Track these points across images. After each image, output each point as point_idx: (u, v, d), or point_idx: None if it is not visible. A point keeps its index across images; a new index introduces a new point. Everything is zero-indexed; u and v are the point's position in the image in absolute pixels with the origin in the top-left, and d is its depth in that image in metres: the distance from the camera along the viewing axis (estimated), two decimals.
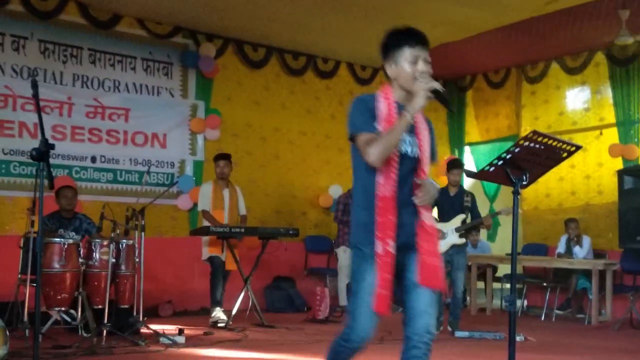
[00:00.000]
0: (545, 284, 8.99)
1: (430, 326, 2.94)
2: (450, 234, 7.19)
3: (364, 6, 8.05)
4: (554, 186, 9.77)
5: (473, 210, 7.28)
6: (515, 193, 3.53)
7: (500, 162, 3.51)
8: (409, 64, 2.97)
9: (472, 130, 11.30)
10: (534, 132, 3.38)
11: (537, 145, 3.49)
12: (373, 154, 2.85)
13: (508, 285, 8.78)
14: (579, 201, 9.52)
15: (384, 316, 2.89)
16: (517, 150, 3.45)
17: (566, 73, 9.80)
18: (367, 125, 2.93)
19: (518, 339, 6.52)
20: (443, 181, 7.87)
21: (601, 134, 9.38)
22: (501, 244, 10.07)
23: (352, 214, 3.11)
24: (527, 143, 3.43)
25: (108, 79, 8.40)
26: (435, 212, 7.43)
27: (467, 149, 11.38)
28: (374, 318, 2.91)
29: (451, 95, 11.50)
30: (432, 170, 9.60)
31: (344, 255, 8.57)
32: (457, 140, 11.44)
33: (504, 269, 9.75)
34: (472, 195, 7.35)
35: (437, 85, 2.89)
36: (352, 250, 3.03)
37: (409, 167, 2.98)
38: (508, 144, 9.56)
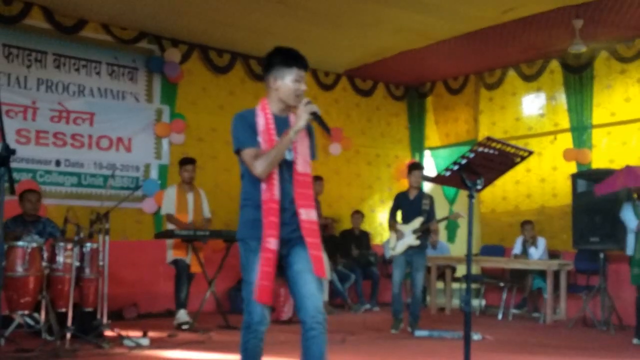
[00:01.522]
0: (502, 284, 9.22)
1: (320, 307, 3.33)
2: (408, 235, 7.38)
3: (327, 14, 8.20)
4: (510, 189, 10.04)
5: (430, 213, 7.47)
6: (470, 197, 3.71)
7: (457, 167, 3.68)
8: (293, 82, 3.41)
9: (432, 134, 11.53)
10: (488, 139, 3.56)
11: (492, 151, 3.65)
12: (259, 168, 3.31)
13: (465, 285, 8.98)
14: (535, 204, 9.79)
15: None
16: (472, 155, 3.62)
17: (522, 80, 10.08)
18: (250, 140, 3.37)
19: (476, 337, 6.73)
20: (404, 184, 8.06)
21: (555, 138, 9.66)
22: (460, 245, 10.30)
23: (240, 213, 3.51)
24: (481, 149, 3.60)
25: (73, 84, 8.42)
26: (399, 214, 7.63)
27: (427, 153, 11.62)
28: (259, 304, 3.31)
29: (412, 101, 11.75)
30: (394, 173, 9.73)
31: None
32: (417, 144, 11.67)
33: (462, 270, 9.97)
34: (431, 198, 7.54)
35: (316, 109, 3.33)
36: (240, 243, 3.45)
37: (287, 170, 3.40)
38: (467, 149, 9.78)
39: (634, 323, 7.04)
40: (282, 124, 3.43)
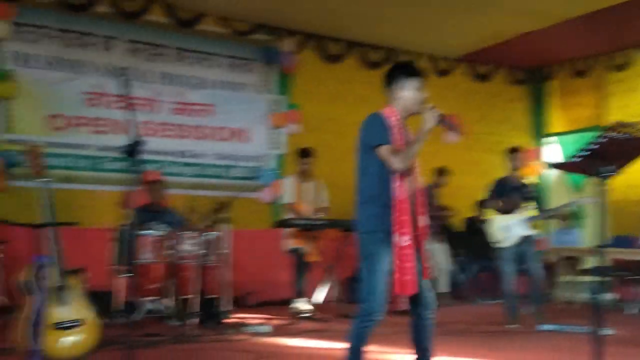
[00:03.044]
0: (635, 277, 8.70)
1: (434, 302, 3.74)
2: (517, 226, 7.00)
3: None
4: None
5: (540, 199, 7.12)
6: (600, 184, 3.50)
7: (586, 153, 3.48)
8: (415, 91, 3.73)
9: (556, 120, 11.04)
10: (619, 123, 3.35)
11: (623, 136, 3.44)
12: (399, 164, 3.56)
13: (595, 278, 8.54)
14: None
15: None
16: (602, 141, 3.42)
17: None
18: (387, 138, 3.64)
19: (607, 332, 6.36)
20: (527, 171, 7.72)
21: None
22: (589, 236, 9.81)
23: (363, 207, 3.77)
24: (612, 134, 3.39)
25: (193, 77, 8.67)
26: (498, 204, 7.30)
27: (549, 139, 11.14)
28: (386, 294, 3.57)
29: (533, 86, 11.31)
30: (506, 160, 9.38)
31: None
32: (539, 130, 11.23)
33: (590, 262, 9.49)
34: (537, 185, 7.19)
35: (442, 113, 3.62)
36: (365, 235, 3.69)
37: (411, 174, 3.68)
38: (593, 134, 9.32)
39: None
40: (400, 130, 3.70)
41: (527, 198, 7.07)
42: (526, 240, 7.00)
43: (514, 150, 7.38)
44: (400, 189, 3.59)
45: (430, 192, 8.68)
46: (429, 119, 3.59)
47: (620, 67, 9.92)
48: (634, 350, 5.82)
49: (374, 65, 9.80)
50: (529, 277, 7.07)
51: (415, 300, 3.69)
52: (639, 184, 9.50)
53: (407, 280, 3.53)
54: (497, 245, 7.13)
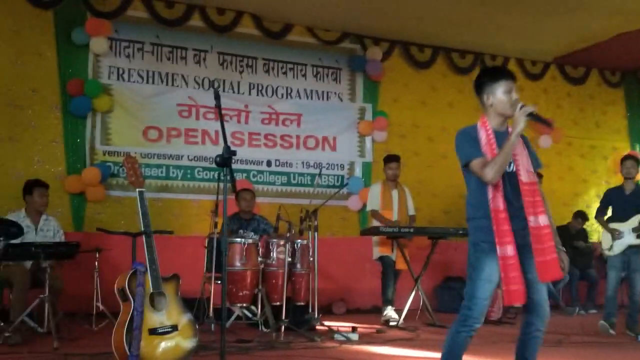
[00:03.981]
0: None
1: (548, 315, 3.61)
2: (627, 234, 6.80)
3: (534, 0, 7.83)
4: None
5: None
6: None
7: None
8: (504, 94, 3.61)
9: None
10: None
11: None
12: (490, 174, 3.47)
13: None
14: None
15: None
16: None
17: None
18: (476, 152, 3.58)
19: None
20: (619, 178, 7.47)
21: None
22: None
23: (470, 221, 3.69)
24: None
25: (281, 87, 8.82)
26: (609, 211, 7.09)
27: None
28: (487, 302, 3.53)
29: (630, 87, 10.89)
30: (611, 165, 8.95)
31: None
32: (637, 134, 10.77)
33: None
34: None
35: (532, 109, 3.48)
36: (473, 246, 3.61)
37: (511, 181, 3.58)
38: None
39: None
40: (502, 138, 3.58)
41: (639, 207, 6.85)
42: (633, 249, 6.78)
43: (626, 158, 7.14)
44: (496, 200, 3.54)
45: None
46: (519, 119, 3.49)
47: None
48: None
49: (462, 70, 9.67)
50: (632, 286, 6.85)
51: (527, 310, 3.63)
52: None
53: (514, 290, 3.47)
54: (610, 254, 6.96)
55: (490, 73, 3.75)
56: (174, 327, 4.50)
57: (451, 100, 9.58)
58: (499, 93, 3.62)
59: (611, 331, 6.82)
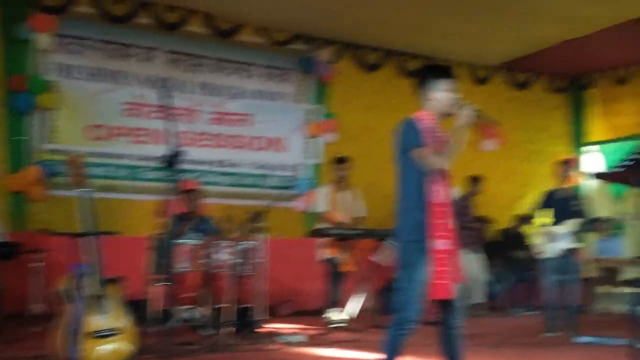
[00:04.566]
0: None
1: (461, 311, 3.69)
2: (563, 237, 6.95)
3: (479, 6, 7.96)
4: None
5: (585, 212, 7.04)
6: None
7: (630, 163, 3.47)
8: (446, 92, 3.70)
9: (596, 129, 10.88)
10: None
11: None
12: (437, 163, 3.56)
13: (636, 290, 8.34)
14: None
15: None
16: None
17: None
18: (421, 141, 3.63)
19: None
20: (568, 181, 7.64)
21: None
22: (631, 246, 9.62)
23: (403, 215, 3.75)
24: None
25: (231, 87, 8.77)
26: (548, 214, 7.25)
27: (589, 148, 10.99)
28: (422, 302, 3.56)
29: (574, 94, 11.18)
30: (553, 169, 9.18)
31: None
32: (579, 139, 11.09)
33: (631, 273, 9.28)
34: (584, 197, 7.12)
35: (474, 107, 3.59)
36: (405, 244, 3.64)
37: (447, 179, 3.66)
38: (636, 144, 9.15)
39: None
40: (434, 133, 3.66)
41: (576, 209, 7.01)
42: (569, 251, 6.94)
43: (564, 162, 7.32)
44: (437, 193, 3.60)
45: (466, 201, 8.61)
46: (465, 115, 3.58)
47: None
48: None
49: (412, 74, 9.77)
50: (567, 288, 7.01)
51: (446, 308, 3.66)
52: None
53: (441, 285, 3.53)
54: (541, 256, 7.10)
55: (434, 70, 3.83)
56: (116, 330, 4.43)
57: (401, 103, 9.61)
58: (441, 90, 3.69)
59: (557, 334, 6.95)
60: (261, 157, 8.87)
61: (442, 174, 3.62)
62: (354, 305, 7.36)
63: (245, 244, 6.58)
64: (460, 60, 10.15)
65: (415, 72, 3.92)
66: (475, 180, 8.90)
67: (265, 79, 9.01)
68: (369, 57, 9.66)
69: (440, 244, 3.54)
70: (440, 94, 3.70)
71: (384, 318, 7.43)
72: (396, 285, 3.67)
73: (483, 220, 9.57)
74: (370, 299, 7.48)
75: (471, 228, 8.50)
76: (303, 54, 9.23)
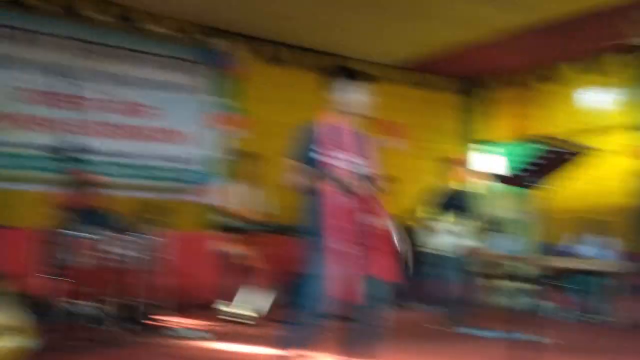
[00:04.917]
0: (561, 285, 8.90)
1: (381, 309, 3.75)
2: (457, 234, 7.22)
3: (380, 5, 8.10)
4: (574, 186, 9.68)
5: (471, 208, 7.33)
6: (529, 195, 3.67)
7: (533, 168, 3.63)
8: (353, 94, 3.80)
9: (487, 129, 11.38)
10: (551, 137, 3.53)
11: (554, 149, 3.61)
12: (289, 179, 3.74)
13: (522, 285, 8.70)
14: (600, 203, 9.43)
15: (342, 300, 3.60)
16: (548, 155, 3.57)
17: (585, 73, 9.83)
18: (305, 150, 3.69)
19: (530, 338, 6.49)
20: (455, 180, 7.91)
21: (619, 135, 9.37)
22: (521, 243, 10.04)
23: (305, 212, 3.86)
24: (550, 148, 3.54)
25: (134, 77, 8.51)
26: (443, 211, 7.46)
27: (481, 147, 11.46)
28: (327, 298, 3.59)
29: (467, 95, 11.58)
30: (446, 168, 9.51)
31: None
32: (470, 139, 11.56)
33: (518, 268, 9.69)
34: (473, 195, 7.41)
35: (373, 115, 3.74)
36: (305, 241, 3.78)
37: (357, 179, 3.66)
38: (524, 145, 9.59)
39: None
40: (343, 135, 3.74)
41: (465, 207, 7.25)
42: (460, 248, 7.18)
43: (450, 160, 7.55)
44: (330, 194, 3.63)
45: None
46: (359, 121, 3.73)
47: (548, 80, 10.26)
48: (567, 358, 5.96)
49: (324, 71, 9.78)
50: (457, 282, 7.25)
51: (353, 305, 3.71)
52: (570, 193, 9.76)
53: (340, 284, 3.58)
54: (436, 252, 7.31)
55: (344, 72, 3.94)
56: (8, 327, 4.22)
57: (314, 100, 9.64)
58: (349, 92, 3.79)
59: (459, 330, 7.16)
60: (167, 149, 8.66)
61: (344, 176, 3.62)
62: (261, 301, 7.33)
63: (147, 238, 6.42)
64: (364, 58, 10.28)
65: (327, 73, 3.98)
66: (388, 180, 9.05)
67: (172, 71, 8.80)
68: (282, 53, 9.63)
69: (337, 243, 3.59)
70: (349, 95, 3.78)
71: (289, 313, 7.44)
72: (301, 281, 3.69)
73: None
74: (274, 294, 7.46)
75: None
76: (213, 47, 9.07)
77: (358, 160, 3.71)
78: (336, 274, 3.59)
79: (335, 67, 4.08)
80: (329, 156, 3.64)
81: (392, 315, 3.87)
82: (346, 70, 4.00)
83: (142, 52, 8.60)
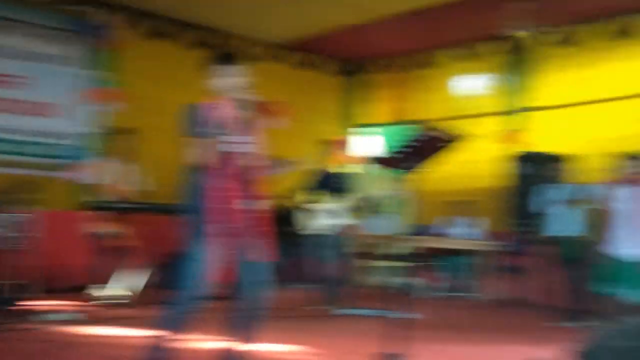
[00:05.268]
0: (434, 264, 9.25)
1: (261, 291, 3.76)
2: (333, 214, 7.33)
3: None
4: (446, 169, 10.02)
5: (350, 190, 7.49)
6: (409, 178, 3.77)
7: (408, 150, 3.72)
8: (231, 77, 3.70)
9: (366, 112, 11.62)
10: (426, 122, 3.64)
11: (428, 134, 3.74)
12: (194, 155, 3.56)
13: (396, 264, 8.97)
14: (471, 185, 9.83)
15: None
16: (421, 138, 3.67)
17: (460, 60, 10.18)
18: (194, 130, 3.60)
19: (404, 316, 6.70)
20: (334, 161, 8.01)
21: (490, 120, 9.80)
22: (398, 224, 10.32)
23: (186, 194, 3.75)
24: (424, 133, 3.65)
25: (3, 46, 8.01)
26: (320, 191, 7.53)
27: (359, 130, 11.63)
28: (206, 279, 3.55)
29: (347, 77, 11.75)
30: (324, 149, 9.67)
31: None
32: (349, 121, 11.73)
33: (391, 248, 9.95)
34: (351, 176, 7.57)
35: (253, 97, 3.68)
36: (187, 222, 3.66)
37: (232, 162, 3.62)
38: (402, 127, 9.86)
39: (565, 304, 7.15)
40: (225, 115, 3.63)
41: (343, 187, 7.36)
42: (339, 228, 7.29)
43: (330, 142, 7.64)
44: (215, 178, 3.59)
45: None
46: (243, 105, 3.65)
47: (425, 66, 10.58)
48: (437, 334, 6.20)
49: (204, 46, 9.60)
50: (334, 263, 7.37)
51: (239, 286, 3.72)
52: (443, 176, 10.11)
53: (220, 267, 3.58)
54: (312, 232, 7.37)
55: (221, 56, 3.83)
56: None
57: (194, 76, 9.41)
58: (226, 76, 3.70)
59: (336, 309, 7.26)
60: (37, 123, 8.21)
61: (227, 159, 3.60)
62: (135, 281, 7.14)
63: (14, 216, 6.11)
64: (246, 36, 10.17)
65: (206, 55, 3.90)
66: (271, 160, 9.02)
67: (39, 40, 8.33)
68: (163, 27, 9.34)
69: (220, 228, 3.55)
70: (226, 79, 3.71)
71: (165, 294, 7.29)
72: (179, 262, 3.63)
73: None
74: (152, 275, 7.29)
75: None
76: (86, 17, 8.66)
77: (242, 141, 3.67)
78: (216, 256, 3.56)
79: (213, 51, 4.03)
80: (214, 137, 3.57)
81: (272, 296, 3.87)
82: (223, 54, 3.91)
83: (12, 19, 8.08)
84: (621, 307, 5.69)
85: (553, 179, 7.50)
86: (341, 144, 7.75)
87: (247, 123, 3.71)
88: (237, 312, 3.74)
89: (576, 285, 6.87)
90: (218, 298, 3.57)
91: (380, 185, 10.60)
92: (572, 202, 7.06)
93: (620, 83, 8.69)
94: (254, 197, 3.69)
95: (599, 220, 6.24)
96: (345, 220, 7.35)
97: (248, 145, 3.69)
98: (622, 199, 6.01)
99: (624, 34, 8.42)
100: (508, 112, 9.63)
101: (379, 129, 11.26)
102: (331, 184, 7.46)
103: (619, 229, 5.98)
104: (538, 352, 5.32)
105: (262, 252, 3.69)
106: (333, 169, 7.64)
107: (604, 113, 8.75)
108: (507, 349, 5.78)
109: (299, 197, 7.62)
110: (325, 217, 7.35)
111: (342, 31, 9.73)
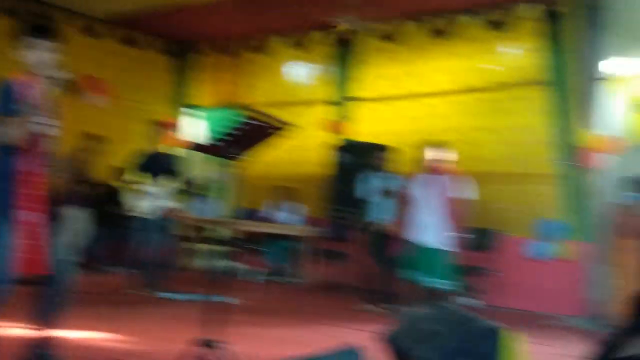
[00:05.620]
0: (255, 248, 9.26)
1: (69, 275, 3.61)
2: (159, 197, 7.19)
3: None
4: (271, 155, 10.11)
5: (180, 173, 7.42)
6: (227, 166, 3.79)
7: (229, 138, 3.70)
8: (42, 52, 3.40)
9: (197, 94, 11.49)
10: (253, 109, 3.64)
11: (254, 121, 3.76)
12: (11, 135, 3.26)
13: (220, 248, 8.91)
14: (293, 171, 9.97)
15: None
16: (244, 127, 3.67)
17: (290, 48, 10.32)
18: (4, 108, 3.29)
19: (226, 300, 6.70)
20: (167, 143, 7.83)
21: (317, 108, 10.02)
22: (223, 208, 10.27)
23: None
24: (250, 120, 3.66)
25: None
26: (146, 173, 7.36)
27: (191, 112, 11.50)
28: (10, 268, 3.32)
29: (178, 57, 11.50)
30: (153, 129, 9.37)
31: None
32: (179, 102, 11.56)
33: (220, 232, 9.90)
34: (177, 157, 7.50)
35: (59, 74, 3.40)
36: None
37: (45, 146, 3.41)
38: (230, 111, 9.79)
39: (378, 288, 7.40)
40: (33, 93, 3.37)
41: (170, 170, 7.23)
42: (162, 210, 7.15)
43: (159, 123, 7.46)
44: (22, 161, 3.36)
45: (75, 157, 8.21)
46: (46, 82, 3.39)
47: (258, 51, 10.63)
48: (256, 318, 6.28)
49: (14, 14, 8.89)
50: (158, 246, 7.23)
51: (40, 277, 3.52)
52: (267, 161, 10.19)
53: (35, 259, 3.39)
54: (137, 214, 7.18)
55: (34, 29, 3.48)
56: None
57: (2, 47, 8.75)
58: (38, 50, 3.41)
59: (157, 294, 7.09)
60: None
61: (33, 141, 3.35)
62: None
63: None
64: (72, 9, 9.60)
65: (17, 24, 3.52)
66: (93, 139, 8.58)
67: None
68: None
69: (30, 215, 3.37)
70: (37, 54, 3.41)
71: None
72: None
73: (92, 180, 9.14)
74: None
75: (78, 184, 8.18)
76: None
77: (48, 122, 3.42)
78: (21, 242, 3.35)
79: (25, 20, 3.70)
80: (25, 117, 3.31)
81: (81, 280, 3.71)
82: (37, 25, 3.53)
83: None
84: (423, 292, 6.04)
85: (376, 168, 7.78)
86: (171, 125, 7.55)
87: (55, 104, 3.44)
88: (45, 298, 3.57)
89: (384, 270, 7.19)
90: (25, 282, 3.38)
91: (207, 168, 10.50)
92: (385, 191, 7.37)
93: (437, 79, 9.17)
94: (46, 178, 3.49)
95: (401, 208, 6.55)
96: (169, 203, 7.21)
97: (53, 128, 3.42)
98: (422, 188, 6.33)
99: (442, 33, 8.87)
100: (334, 102, 9.88)
101: (205, 113, 11.14)
102: (158, 165, 7.27)
103: (418, 217, 6.28)
104: (350, 335, 5.54)
105: (67, 235, 3.62)
106: (162, 150, 7.46)
107: (422, 107, 9.21)
108: (321, 332, 5.97)
109: (127, 177, 7.36)
110: (148, 199, 7.17)
111: (171, 10, 9.47)
